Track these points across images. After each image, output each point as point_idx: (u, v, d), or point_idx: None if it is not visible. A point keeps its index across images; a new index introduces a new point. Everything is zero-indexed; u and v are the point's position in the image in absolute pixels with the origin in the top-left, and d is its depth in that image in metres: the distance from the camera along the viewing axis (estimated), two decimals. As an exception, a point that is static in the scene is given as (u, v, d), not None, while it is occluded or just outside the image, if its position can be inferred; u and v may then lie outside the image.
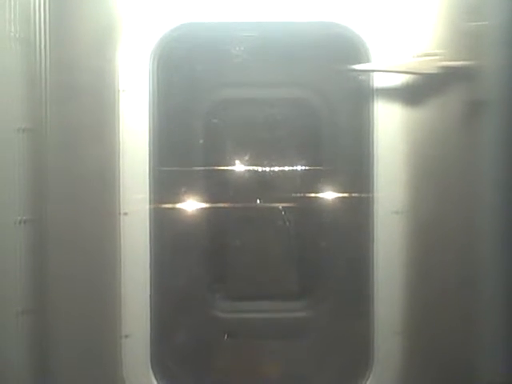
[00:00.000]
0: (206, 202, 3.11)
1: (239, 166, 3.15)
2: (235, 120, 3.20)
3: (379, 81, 2.85)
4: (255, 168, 3.12)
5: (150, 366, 2.89)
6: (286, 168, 3.13)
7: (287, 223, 3.18)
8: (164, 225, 2.95)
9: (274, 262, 3.20)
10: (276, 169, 3.12)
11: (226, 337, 3.14)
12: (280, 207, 3.15)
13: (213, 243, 3.18)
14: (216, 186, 3.13)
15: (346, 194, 3.09)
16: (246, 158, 3.15)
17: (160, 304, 2.91)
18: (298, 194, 3.13)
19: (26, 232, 2.50)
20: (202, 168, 3.12)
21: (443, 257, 2.78)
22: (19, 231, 2.49)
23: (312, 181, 3.13)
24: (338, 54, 2.94)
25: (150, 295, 2.86)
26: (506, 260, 2.49)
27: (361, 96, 2.92)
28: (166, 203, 3.00)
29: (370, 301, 2.90)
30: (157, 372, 2.91)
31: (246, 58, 3.04)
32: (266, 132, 3.17)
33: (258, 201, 3.14)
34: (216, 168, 3.15)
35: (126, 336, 2.86)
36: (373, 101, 2.86)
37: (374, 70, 2.84)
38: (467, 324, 2.68)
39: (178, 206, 3.08)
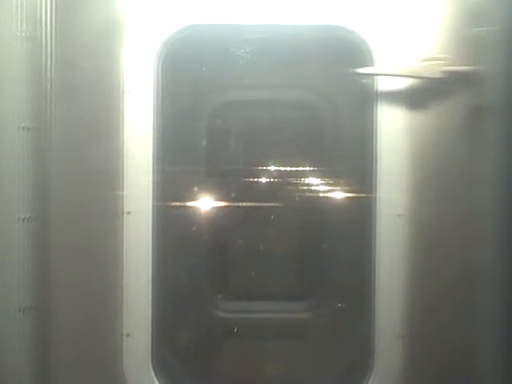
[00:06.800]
0: (209, 202, 3.12)
1: (242, 167, 3.16)
2: (239, 121, 3.21)
3: (383, 84, 2.85)
4: (258, 168, 3.12)
5: (150, 365, 2.90)
6: (290, 169, 3.14)
7: (289, 224, 3.19)
8: (167, 224, 2.96)
9: (276, 263, 3.20)
10: (280, 170, 3.13)
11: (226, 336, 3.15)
12: (283, 208, 3.15)
13: (215, 243, 3.18)
14: (218, 186, 3.14)
15: (349, 196, 3.10)
16: (250, 158, 3.16)
17: (161, 303, 2.92)
18: (302, 195, 3.14)
19: (28, 230, 2.50)
20: (204, 168, 3.14)
21: (445, 260, 2.77)
22: (22, 229, 2.49)
23: (315, 183, 3.14)
24: (343, 57, 2.95)
25: (152, 294, 2.87)
26: (508, 264, 2.48)
27: (364, 99, 2.93)
28: (168, 203, 3.01)
29: (371, 303, 2.90)
30: (157, 370, 2.93)
31: (251, 60, 3.04)
32: (270, 134, 3.17)
33: (261, 201, 3.15)
34: (219, 168, 3.16)
35: (128, 334, 2.87)
36: (376, 104, 2.86)
37: (377, 74, 2.85)
38: (469, 327, 2.67)
39: (181, 205, 3.09)
